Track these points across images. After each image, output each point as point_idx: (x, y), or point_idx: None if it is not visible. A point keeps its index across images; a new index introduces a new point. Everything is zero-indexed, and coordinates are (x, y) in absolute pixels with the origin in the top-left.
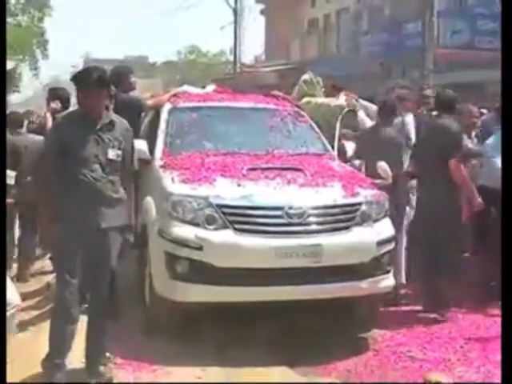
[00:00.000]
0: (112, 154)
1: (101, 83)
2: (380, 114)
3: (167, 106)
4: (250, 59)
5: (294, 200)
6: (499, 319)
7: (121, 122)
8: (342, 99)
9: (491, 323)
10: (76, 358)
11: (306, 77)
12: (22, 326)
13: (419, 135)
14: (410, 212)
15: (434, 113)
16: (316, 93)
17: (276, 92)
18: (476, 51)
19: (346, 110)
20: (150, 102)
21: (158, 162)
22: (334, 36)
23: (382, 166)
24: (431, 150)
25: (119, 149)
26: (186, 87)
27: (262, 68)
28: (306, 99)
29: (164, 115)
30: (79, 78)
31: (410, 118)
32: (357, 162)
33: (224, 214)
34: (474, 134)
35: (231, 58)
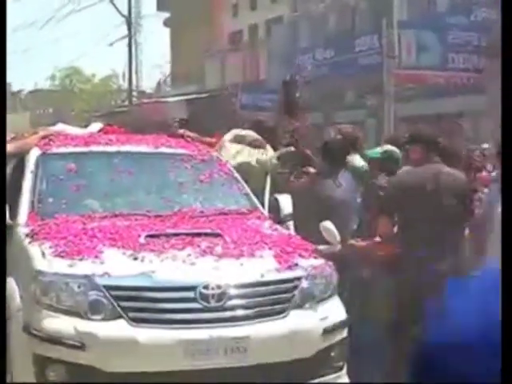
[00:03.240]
0: None
1: None
2: (323, 161)
3: (35, 153)
4: (150, 86)
5: (210, 277)
6: None
7: None
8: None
9: None
10: None
11: (228, 137)
12: None
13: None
14: None
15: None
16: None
17: (186, 132)
18: (449, 72)
19: (280, 153)
20: (10, 147)
21: (22, 230)
22: (264, 54)
23: (328, 226)
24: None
25: None
26: (61, 126)
27: (166, 97)
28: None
29: (30, 165)
30: None
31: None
32: (291, 223)
33: (115, 298)
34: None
35: (125, 84)
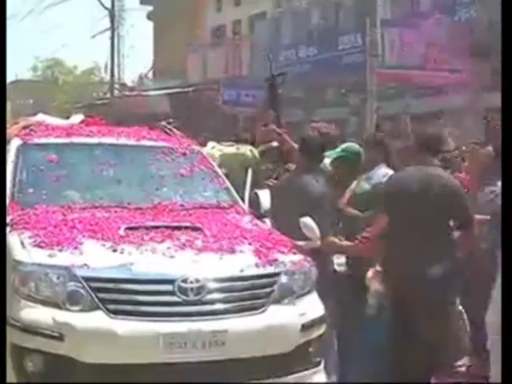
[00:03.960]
0: None
1: None
2: (301, 156)
3: (15, 143)
4: (132, 79)
5: (189, 270)
6: None
7: None
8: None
9: None
10: None
11: (207, 150)
12: None
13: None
14: None
15: None
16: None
17: (166, 125)
18: (432, 72)
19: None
20: None
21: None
22: (247, 49)
23: (307, 222)
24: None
25: None
26: (41, 116)
27: (148, 91)
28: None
29: (11, 154)
30: None
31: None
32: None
33: (93, 289)
34: None
35: (106, 76)
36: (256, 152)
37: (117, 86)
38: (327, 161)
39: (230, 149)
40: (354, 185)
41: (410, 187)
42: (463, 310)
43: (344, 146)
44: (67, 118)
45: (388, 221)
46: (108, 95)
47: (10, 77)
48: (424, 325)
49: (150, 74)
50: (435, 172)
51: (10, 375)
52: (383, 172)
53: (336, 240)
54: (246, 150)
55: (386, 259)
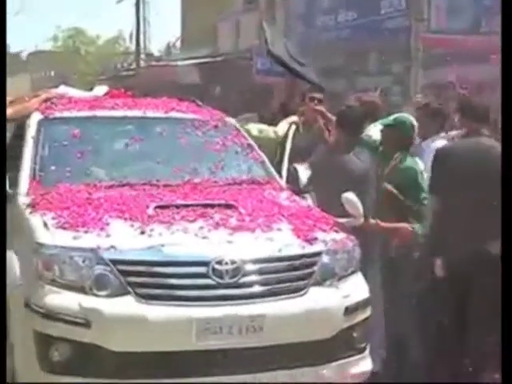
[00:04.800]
0: None
1: None
2: (339, 130)
3: (36, 117)
4: (159, 48)
5: (223, 251)
6: None
7: None
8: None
9: None
10: None
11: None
12: None
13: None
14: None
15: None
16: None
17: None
18: (482, 37)
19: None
20: (9, 111)
21: (22, 199)
22: (281, 15)
23: (350, 198)
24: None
25: None
26: (63, 88)
27: (176, 61)
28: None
29: (31, 130)
30: None
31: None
32: (309, 196)
33: (122, 273)
34: None
35: (132, 46)
36: (280, 133)
37: (143, 56)
38: (374, 131)
39: (253, 131)
40: (397, 158)
41: (468, 159)
42: None
43: (396, 115)
44: (90, 90)
45: (441, 196)
46: (133, 66)
47: (29, 48)
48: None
49: (178, 43)
50: (489, 143)
51: (10, 375)
52: (439, 145)
53: (379, 222)
54: (269, 132)
55: (441, 238)
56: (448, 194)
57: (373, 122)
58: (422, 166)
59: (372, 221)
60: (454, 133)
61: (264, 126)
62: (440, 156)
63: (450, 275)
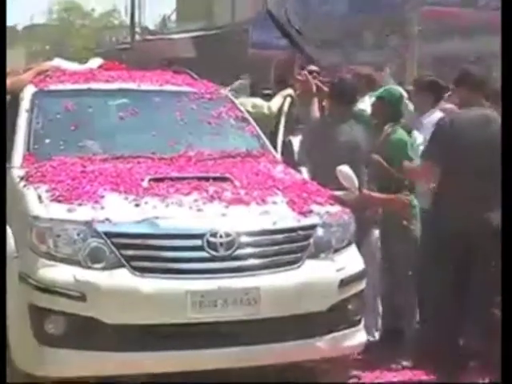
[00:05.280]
0: None
1: None
2: (332, 101)
3: (30, 90)
4: (154, 21)
5: (218, 224)
6: None
7: None
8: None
9: None
10: None
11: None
12: None
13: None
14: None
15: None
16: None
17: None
18: (484, 10)
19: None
20: None
21: (16, 172)
22: None
23: (345, 171)
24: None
25: None
26: (57, 61)
27: (171, 34)
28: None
29: (25, 103)
30: None
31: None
32: (304, 169)
33: (116, 246)
34: None
35: (126, 19)
36: (274, 109)
37: (138, 29)
38: (367, 104)
39: (247, 106)
40: (387, 130)
41: (471, 129)
42: None
43: (386, 87)
44: (85, 63)
45: (444, 167)
46: (128, 40)
47: (24, 21)
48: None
49: (173, 16)
50: (492, 114)
51: (10, 375)
52: (438, 117)
53: (372, 193)
54: (263, 108)
55: (443, 207)
56: (451, 163)
57: (369, 92)
58: (420, 139)
59: (366, 192)
60: (449, 106)
61: (258, 101)
62: (443, 125)
63: (450, 244)
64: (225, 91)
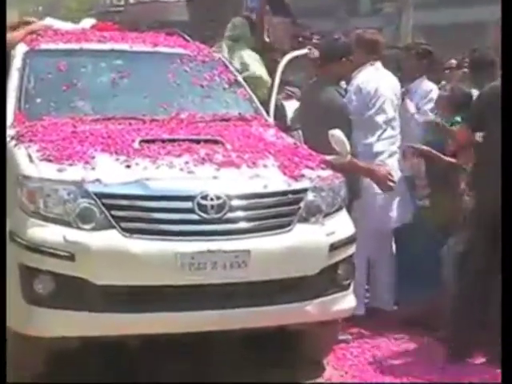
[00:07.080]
0: None
1: None
2: (321, 63)
3: (21, 49)
4: None
5: (209, 186)
6: None
7: None
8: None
9: None
10: None
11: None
12: None
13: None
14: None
15: None
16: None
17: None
18: None
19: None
20: None
21: (7, 132)
22: None
23: (337, 135)
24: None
25: None
26: (49, 20)
27: None
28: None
29: (17, 62)
30: None
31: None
32: (296, 134)
33: (106, 206)
34: None
35: None
36: (265, 77)
37: None
38: (371, 73)
39: (242, 59)
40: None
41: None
42: None
43: None
44: (77, 23)
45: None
46: (122, 2)
47: None
48: None
49: None
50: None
51: (10, 375)
52: (428, 87)
53: (356, 161)
54: (255, 72)
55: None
56: (493, 131)
57: (374, 56)
58: (412, 107)
59: (353, 160)
60: (448, 86)
61: (251, 58)
62: (485, 96)
63: (482, 210)
64: (218, 54)
